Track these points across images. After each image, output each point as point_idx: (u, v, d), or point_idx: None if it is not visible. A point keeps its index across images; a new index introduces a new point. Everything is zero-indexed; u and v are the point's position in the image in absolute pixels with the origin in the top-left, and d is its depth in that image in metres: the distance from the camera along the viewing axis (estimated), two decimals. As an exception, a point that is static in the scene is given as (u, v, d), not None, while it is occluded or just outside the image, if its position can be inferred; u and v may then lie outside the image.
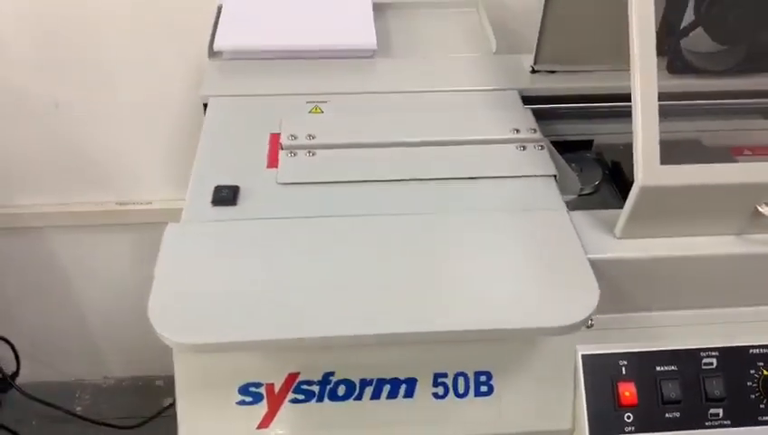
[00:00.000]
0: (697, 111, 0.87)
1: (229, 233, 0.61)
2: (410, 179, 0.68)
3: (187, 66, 1.09)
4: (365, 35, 0.86)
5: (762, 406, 0.64)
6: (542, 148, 0.72)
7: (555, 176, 0.69)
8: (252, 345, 0.52)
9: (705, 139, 0.86)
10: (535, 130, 0.74)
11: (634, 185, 0.58)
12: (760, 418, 0.64)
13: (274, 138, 0.73)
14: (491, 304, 0.56)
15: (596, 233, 0.63)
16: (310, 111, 0.77)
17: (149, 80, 1.11)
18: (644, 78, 0.56)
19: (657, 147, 0.57)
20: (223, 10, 0.90)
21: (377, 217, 0.64)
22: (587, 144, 0.86)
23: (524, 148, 0.72)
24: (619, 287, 0.62)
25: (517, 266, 0.59)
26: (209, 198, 0.65)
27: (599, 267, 0.59)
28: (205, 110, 0.80)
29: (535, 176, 0.69)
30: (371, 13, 0.91)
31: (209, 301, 0.55)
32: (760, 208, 0.59)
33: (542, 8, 0.79)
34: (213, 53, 0.85)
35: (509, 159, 0.71)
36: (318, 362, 0.63)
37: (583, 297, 0.56)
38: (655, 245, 0.61)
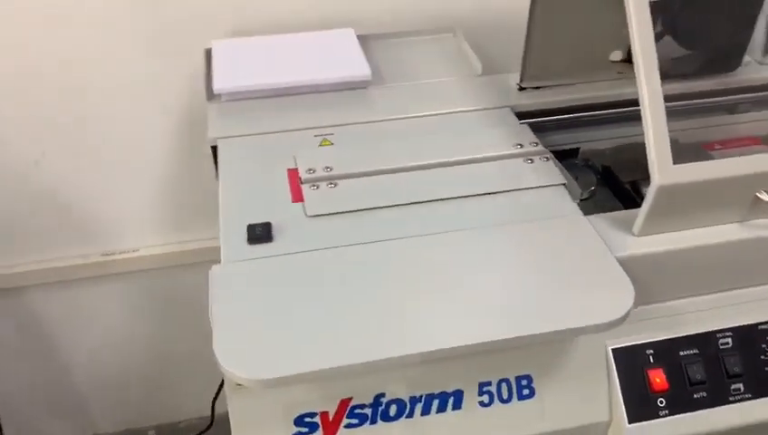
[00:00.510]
0: (670, 113, 0.93)
1: (274, 269, 0.63)
2: (432, 200, 0.71)
3: (168, 114, 1.10)
4: (359, 66, 0.89)
5: (776, 377, 0.70)
6: (548, 159, 0.77)
7: (565, 184, 0.74)
8: (328, 373, 0.53)
9: (679, 137, 0.93)
10: (537, 144, 0.79)
11: (651, 185, 0.63)
12: (776, 388, 0.70)
13: (293, 173, 0.75)
14: (536, 310, 0.59)
15: (615, 233, 0.67)
16: (320, 145, 0.80)
17: (131, 128, 1.10)
18: (650, 87, 0.62)
19: (669, 148, 0.62)
20: (213, 54, 0.92)
21: (409, 239, 0.66)
22: (573, 152, 0.92)
23: (532, 160, 0.76)
24: (641, 281, 0.67)
25: (552, 272, 0.63)
26: (243, 236, 0.66)
27: (624, 264, 0.63)
28: (213, 152, 0.81)
29: (547, 186, 0.73)
30: (358, 44, 0.94)
31: (275, 336, 0.56)
32: (759, 195, 0.65)
33: (527, 30, 0.84)
34: (212, 96, 0.87)
35: (519, 173, 0.75)
36: (368, 384, 0.65)
37: (621, 294, 0.60)
38: (671, 239, 0.67)
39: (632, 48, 0.63)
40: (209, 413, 1.32)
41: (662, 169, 0.62)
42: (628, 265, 0.64)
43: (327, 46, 0.94)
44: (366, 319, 0.58)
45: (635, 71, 0.63)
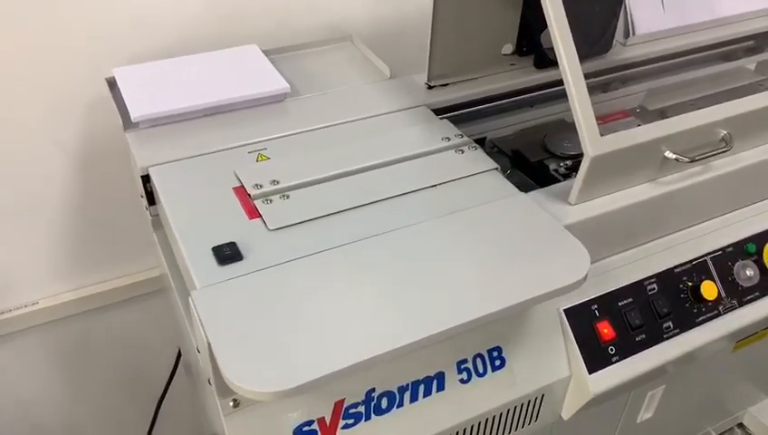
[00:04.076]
0: (558, 96, 1.03)
1: (254, 285, 0.62)
2: (383, 199, 0.74)
3: (59, 149, 1.03)
4: (274, 81, 0.90)
5: (695, 310, 0.81)
6: (476, 148, 0.83)
7: (497, 168, 0.80)
8: (340, 374, 0.55)
9: (566, 117, 1.03)
10: (462, 135, 0.84)
11: (584, 157, 0.70)
12: (696, 320, 0.81)
13: (239, 190, 0.75)
14: (506, 285, 0.64)
15: (554, 205, 0.75)
16: (257, 160, 0.80)
17: (18, 171, 1.02)
18: (572, 71, 0.69)
19: (595, 123, 0.70)
20: (118, 81, 0.88)
21: (373, 238, 0.69)
22: (481, 141, 0.99)
23: (462, 151, 0.82)
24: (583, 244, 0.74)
25: (512, 248, 0.68)
26: (212, 259, 0.65)
27: (570, 231, 0.70)
28: (143, 182, 0.78)
29: (483, 172, 0.79)
30: (267, 59, 0.95)
31: (277, 349, 0.56)
32: (666, 154, 0.75)
33: (431, 32, 0.89)
34: (130, 125, 0.83)
35: (455, 164, 0.80)
36: (358, 382, 0.67)
37: (577, 258, 0.67)
38: (603, 203, 0.75)
39: (552, 37, 0.70)
40: (134, 464, 1.25)
41: (592, 142, 0.69)
42: (571, 231, 0.71)
43: (235, 64, 0.94)
44: (353, 318, 0.60)
45: (557, 60, 0.69)
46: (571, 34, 0.69)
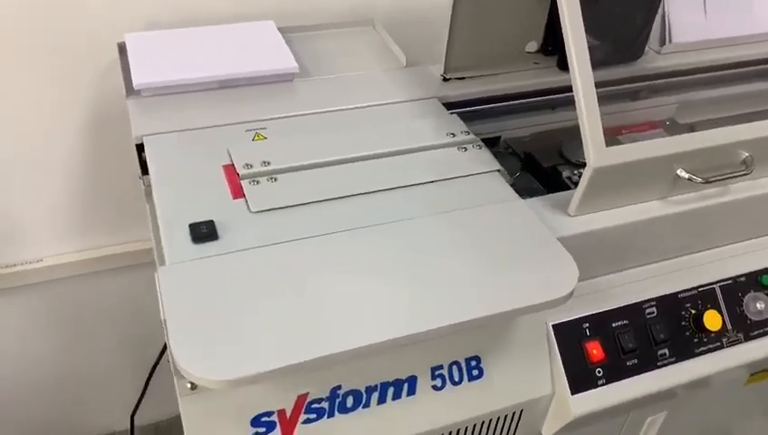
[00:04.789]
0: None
1: (225, 267, 0.61)
2: (374, 191, 0.72)
3: (73, 112, 1.03)
4: (284, 59, 0.88)
5: (696, 340, 0.76)
6: (480, 147, 0.79)
7: (499, 170, 0.76)
8: (290, 369, 0.52)
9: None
10: (468, 132, 0.81)
11: (586, 167, 0.66)
12: (696, 350, 0.76)
13: (229, 168, 0.73)
14: (486, 293, 0.61)
15: (552, 214, 0.71)
16: (253, 139, 0.78)
17: (33, 129, 1.02)
18: (583, 76, 0.65)
19: (602, 133, 0.65)
20: (128, 47, 0.87)
21: (356, 230, 0.66)
22: (495, 140, 0.95)
23: (465, 149, 0.79)
24: (578, 259, 0.70)
25: (499, 255, 0.65)
26: (187, 236, 0.64)
27: (563, 244, 0.66)
28: (138, 150, 0.77)
29: (483, 173, 0.75)
30: (281, 37, 0.93)
31: (233, 336, 0.54)
32: (678, 173, 0.70)
33: (449, 23, 0.86)
34: (132, 92, 0.82)
35: (456, 161, 0.77)
36: (324, 377, 0.65)
37: (565, 272, 0.63)
38: (604, 217, 0.71)
39: (564, 40, 0.66)
40: (125, 427, 1.25)
41: (596, 152, 0.65)
42: (567, 243, 0.67)
43: (248, 39, 0.92)
44: (322, 312, 0.58)
45: (568, 61, 0.66)
46: (584, 35, 0.65)
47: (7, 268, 1.12)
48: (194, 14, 0.99)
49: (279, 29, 0.97)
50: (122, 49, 0.89)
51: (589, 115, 0.65)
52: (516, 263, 0.64)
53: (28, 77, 0.97)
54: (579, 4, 0.65)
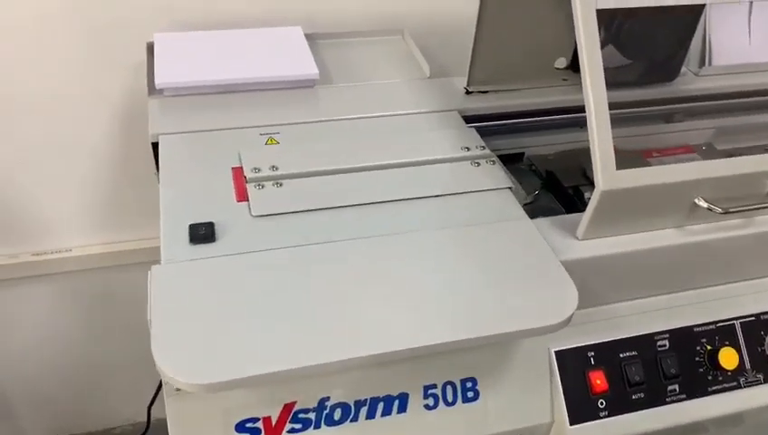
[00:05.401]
0: (611, 120, 0.95)
1: (217, 270, 0.61)
2: (379, 202, 0.71)
3: (104, 110, 1.05)
4: (306, 65, 0.88)
5: (709, 378, 0.72)
6: (494, 163, 0.77)
7: (511, 188, 0.74)
8: (271, 378, 0.52)
9: (619, 144, 0.95)
10: (484, 147, 0.79)
11: (595, 190, 0.64)
12: (709, 388, 0.72)
13: (237, 171, 0.73)
14: (481, 313, 0.59)
15: (559, 237, 0.68)
16: (266, 143, 0.78)
17: (64, 125, 1.06)
18: (595, 95, 0.63)
19: (613, 155, 0.63)
20: (155, 47, 0.89)
21: (354, 241, 0.65)
22: (519, 157, 0.93)
23: (478, 164, 0.77)
24: (584, 284, 0.68)
25: (498, 275, 0.63)
26: (185, 236, 0.64)
27: (568, 268, 0.64)
28: (154, 149, 0.79)
29: (493, 189, 0.74)
30: (306, 43, 0.93)
31: (217, 339, 0.54)
32: (697, 201, 0.67)
33: (474, 35, 0.84)
34: (153, 91, 0.84)
35: (467, 176, 0.75)
36: (312, 388, 0.64)
37: (564, 297, 0.60)
38: (613, 243, 0.68)
39: (579, 57, 0.63)
40: (144, 419, 1.27)
41: (605, 175, 0.63)
42: (571, 268, 0.64)
43: (274, 44, 0.93)
44: (309, 322, 0.57)
45: (581, 79, 0.63)
46: (599, 51, 0.63)
47: (37, 256, 1.16)
48: (226, 17, 1.01)
49: (309, 35, 0.97)
50: (150, 49, 0.91)
51: (599, 135, 0.63)
52: (513, 284, 0.62)
53: (60, 74, 1.00)
54: (595, 20, 0.63)
